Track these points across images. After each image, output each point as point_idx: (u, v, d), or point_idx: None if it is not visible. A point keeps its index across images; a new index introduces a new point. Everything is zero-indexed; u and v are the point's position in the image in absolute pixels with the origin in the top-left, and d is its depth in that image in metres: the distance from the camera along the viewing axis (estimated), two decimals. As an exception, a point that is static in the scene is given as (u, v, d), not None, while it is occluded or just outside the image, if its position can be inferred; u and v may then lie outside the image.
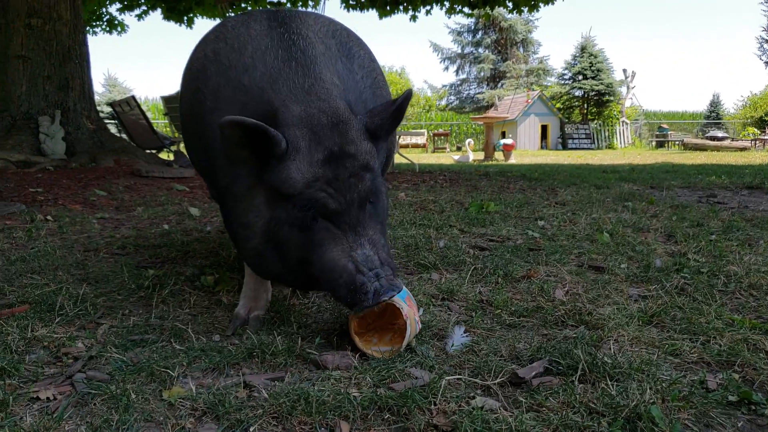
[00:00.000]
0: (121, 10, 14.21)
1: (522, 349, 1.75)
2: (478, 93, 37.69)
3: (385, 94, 2.18)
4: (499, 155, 17.15)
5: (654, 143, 27.83)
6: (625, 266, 2.69)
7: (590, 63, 32.45)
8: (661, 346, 1.75)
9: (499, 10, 25.39)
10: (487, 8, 12.74)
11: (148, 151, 10.80)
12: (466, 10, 13.12)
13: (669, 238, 3.35)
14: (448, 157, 19.33)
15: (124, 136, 12.21)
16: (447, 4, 12.70)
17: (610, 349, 1.72)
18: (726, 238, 3.24)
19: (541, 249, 3.05)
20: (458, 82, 39.50)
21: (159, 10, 13.81)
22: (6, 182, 6.15)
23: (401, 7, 12.75)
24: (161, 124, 24.72)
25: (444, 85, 41.24)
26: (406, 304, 1.74)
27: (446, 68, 44.73)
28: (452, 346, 1.75)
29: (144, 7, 13.92)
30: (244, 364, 1.67)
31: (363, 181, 1.71)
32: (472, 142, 17.45)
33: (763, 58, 30.65)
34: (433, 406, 1.38)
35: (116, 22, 15.01)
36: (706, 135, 26.54)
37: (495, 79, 38.14)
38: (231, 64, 1.90)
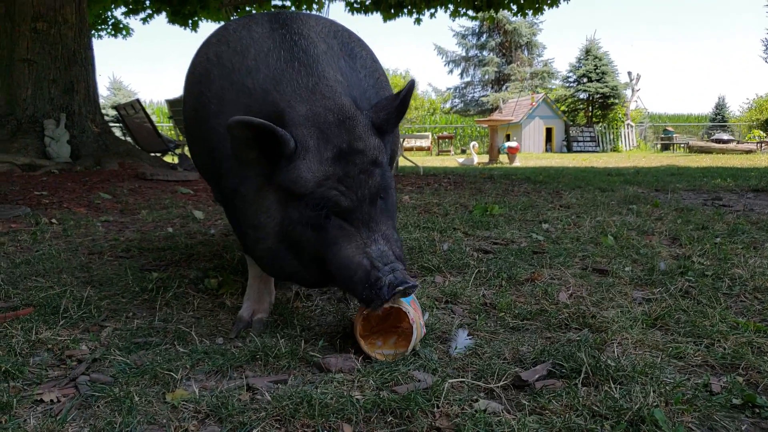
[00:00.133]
0: (126, 14, 14.25)
1: (525, 352, 1.74)
2: (483, 96, 37.69)
3: (387, 95, 2.18)
4: (503, 158, 17.15)
5: (659, 146, 27.76)
6: (629, 269, 2.68)
7: (595, 66, 32.40)
8: (664, 349, 1.74)
9: (504, 13, 25.35)
10: (492, 11, 12.74)
11: (152, 154, 10.82)
12: (470, 13, 13.13)
13: (674, 241, 3.35)
14: (452, 160, 19.33)
15: (128, 139, 12.23)
16: (451, 7, 12.71)
17: (613, 352, 1.72)
18: (731, 241, 3.23)
19: (545, 252, 3.04)
20: (463, 85, 39.51)
21: (164, 14, 13.85)
22: (11, 185, 6.17)
23: (405, 10, 12.76)
24: (166, 127, 24.77)
25: (448, 88, 41.26)
26: (411, 308, 1.74)
27: (450, 71, 44.69)
28: (455, 348, 1.75)
29: (149, 11, 13.96)
30: (247, 366, 1.67)
31: (373, 176, 1.72)
32: (477, 145, 17.42)
33: (769, 60, 30.58)
34: (436, 409, 1.38)
35: (121, 25, 15.07)
36: (712, 138, 26.42)
37: (499, 81, 38.13)
38: (234, 67, 1.90)
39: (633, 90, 32.17)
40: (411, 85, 1.83)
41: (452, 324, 1.98)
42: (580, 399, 1.40)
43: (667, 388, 1.45)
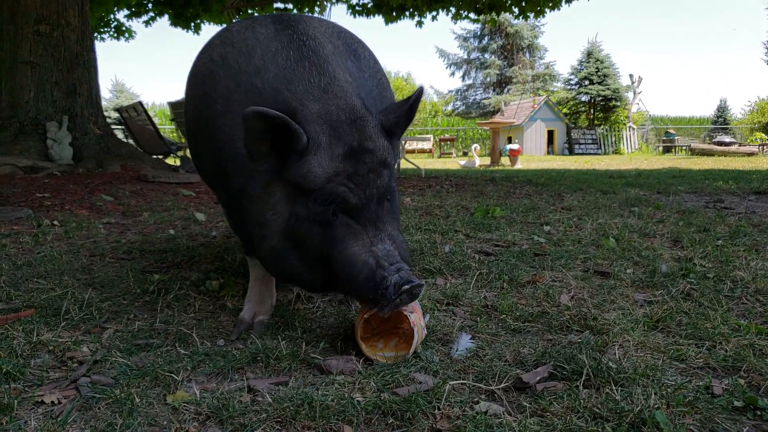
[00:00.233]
0: (128, 17, 14.29)
1: (526, 354, 1.74)
2: (485, 98, 37.72)
3: (389, 96, 2.20)
4: (505, 160, 17.15)
5: (661, 148, 27.75)
6: (630, 271, 2.68)
7: (597, 68, 32.40)
8: (666, 352, 1.74)
9: (505, 16, 25.40)
10: (493, 14, 12.75)
11: (154, 156, 10.83)
12: (472, 15, 13.13)
13: (675, 244, 3.34)
14: (454, 163, 19.33)
15: (130, 141, 12.24)
16: (453, 9, 12.72)
17: (615, 354, 1.72)
18: (733, 244, 3.23)
19: (546, 254, 3.04)
20: (464, 88, 39.55)
21: (166, 17, 13.89)
22: (13, 187, 6.18)
23: (407, 13, 12.78)
24: (168, 129, 24.79)
25: (450, 91, 41.29)
26: (412, 310, 1.74)
27: (452, 74, 44.87)
28: (457, 350, 1.75)
29: (151, 14, 14.00)
30: (248, 368, 1.67)
31: (381, 177, 1.73)
32: (479, 148, 17.43)
33: (770, 63, 30.56)
34: (437, 411, 1.38)
35: (124, 28, 15.12)
36: (714, 140, 26.39)
37: (501, 84, 38.17)
38: (241, 68, 1.90)
39: (635, 92, 32.15)
40: (420, 92, 1.86)
41: (453, 326, 1.98)
42: (582, 401, 1.39)
43: (668, 390, 1.45)
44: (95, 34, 13.91)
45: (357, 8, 12.97)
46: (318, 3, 12.73)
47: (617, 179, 8.26)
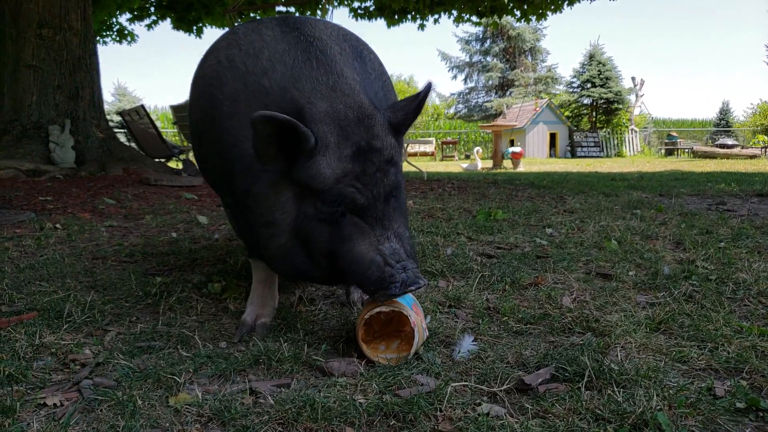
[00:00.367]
0: (131, 20, 14.33)
1: (528, 355, 1.74)
2: (487, 101, 37.76)
3: (393, 98, 2.20)
4: (507, 163, 17.13)
5: (663, 151, 27.72)
6: (633, 273, 2.68)
7: (599, 71, 32.39)
8: (668, 353, 1.74)
9: (507, 19, 25.39)
10: (495, 17, 12.76)
11: (157, 159, 10.85)
12: (474, 18, 13.15)
13: (678, 246, 3.34)
14: (456, 165, 19.33)
15: (133, 144, 12.27)
16: (455, 13, 12.73)
17: (617, 356, 1.72)
18: (735, 246, 3.23)
19: (548, 256, 3.04)
20: (466, 91, 39.61)
21: (168, 20, 13.92)
22: (16, 191, 6.19)
23: (409, 16, 12.80)
24: (170, 133, 24.83)
25: (452, 94, 41.37)
26: (413, 311, 1.74)
27: (454, 77, 44.94)
28: (459, 352, 1.75)
29: (153, 17, 14.03)
30: (250, 370, 1.67)
31: (388, 175, 1.74)
32: (481, 150, 17.44)
33: (772, 65, 30.55)
34: (438, 413, 1.38)
35: (126, 31, 15.14)
36: (716, 143, 26.38)
37: (503, 87, 38.21)
38: (248, 69, 1.91)
39: (637, 95, 32.15)
40: (428, 87, 1.88)
41: (455, 328, 1.98)
42: (583, 402, 1.39)
43: (670, 391, 1.45)
44: (97, 38, 13.95)
45: (359, 11, 12.99)
46: (320, 6, 12.76)
47: (619, 182, 8.25)
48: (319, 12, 12.91)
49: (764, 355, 1.71)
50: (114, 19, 14.68)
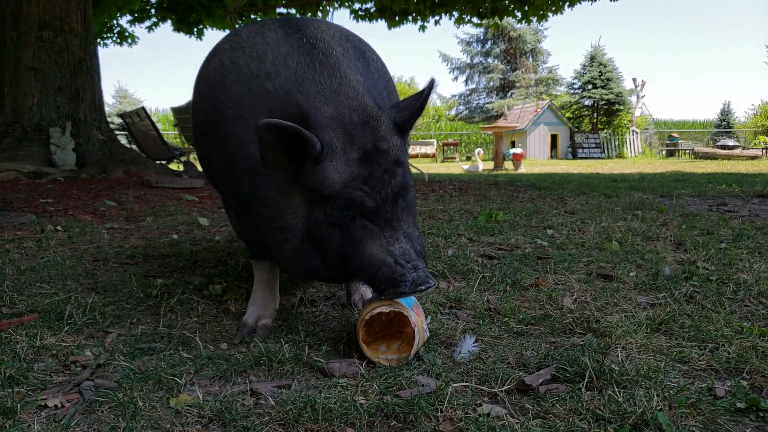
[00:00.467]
0: (131, 22, 14.35)
1: (529, 356, 1.74)
2: (488, 103, 37.76)
3: (395, 99, 2.20)
4: (508, 164, 17.13)
5: (664, 152, 27.71)
6: (633, 274, 2.68)
7: (600, 72, 32.38)
8: (669, 354, 1.74)
9: (508, 20, 25.44)
10: (496, 18, 12.78)
11: (158, 161, 10.86)
12: (474, 20, 13.17)
13: (678, 247, 3.34)
14: (457, 167, 19.33)
15: (134, 146, 12.30)
16: (456, 14, 12.75)
17: (617, 356, 1.72)
18: (736, 246, 3.23)
19: (549, 257, 3.04)
20: (467, 92, 39.60)
21: (169, 22, 13.94)
22: (17, 193, 6.20)
23: (410, 18, 12.81)
24: (171, 135, 24.85)
25: (453, 95, 41.38)
26: (413, 312, 1.74)
27: (455, 78, 44.83)
28: (459, 353, 1.75)
29: (154, 19, 14.05)
30: (251, 371, 1.67)
31: (395, 176, 1.74)
32: (482, 152, 17.45)
33: (773, 66, 30.54)
34: (439, 414, 1.38)
35: (127, 33, 15.17)
36: (717, 144, 26.36)
37: (504, 88, 38.20)
38: (252, 72, 1.91)
39: (638, 96, 32.14)
40: (432, 84, 1.87)
41: (456, 329, 1.98)
42: (584, 403, 1.39)
43: (671, 392, 1.45)
44: (98, 40, 13.96)
45: (360, 13, 13.01)
46: (321, 8, 12.77)
47: (620, 183, 8.25)
48: (319, 13, 12.92)
49: (765, 356, 1.71)
50: (114, 21, 14.71)
